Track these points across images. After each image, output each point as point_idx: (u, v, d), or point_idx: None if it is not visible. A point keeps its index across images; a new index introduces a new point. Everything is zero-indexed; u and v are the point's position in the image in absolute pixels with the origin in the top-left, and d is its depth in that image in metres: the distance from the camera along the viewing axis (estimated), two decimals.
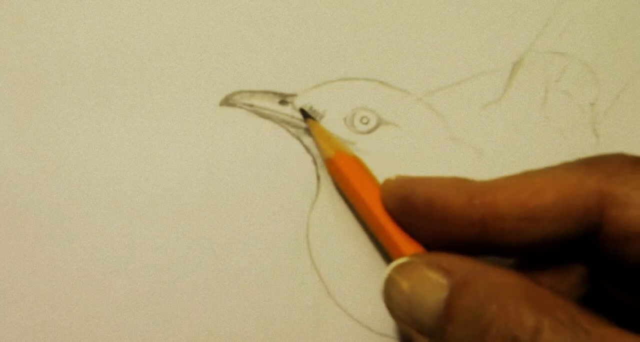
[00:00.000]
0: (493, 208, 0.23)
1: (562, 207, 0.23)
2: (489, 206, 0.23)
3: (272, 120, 0.31)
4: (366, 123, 0.31)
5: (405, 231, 0.26)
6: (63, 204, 0.29)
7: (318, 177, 0.30)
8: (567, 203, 0.23)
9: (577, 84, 0.32)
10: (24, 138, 0.30)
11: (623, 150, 0.24)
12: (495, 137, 0.31)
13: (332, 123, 0.31)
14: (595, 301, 0.24)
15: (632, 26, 0.33)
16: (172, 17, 0.32)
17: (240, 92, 0.31)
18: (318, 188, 0.30)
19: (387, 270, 0.24)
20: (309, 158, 0.30)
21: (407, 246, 0.25)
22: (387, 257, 0.28)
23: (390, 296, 0.24)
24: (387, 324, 0.29)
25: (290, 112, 0.31)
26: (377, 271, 0.29)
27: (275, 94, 0.31)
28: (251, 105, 0.31)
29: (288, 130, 0.31)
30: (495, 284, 0.21)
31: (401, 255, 0.25)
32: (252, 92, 0.31)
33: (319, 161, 0.30)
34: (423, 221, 0.25)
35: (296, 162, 0.30)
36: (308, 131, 0.30)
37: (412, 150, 0.31)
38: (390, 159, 0.31)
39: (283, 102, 0.31)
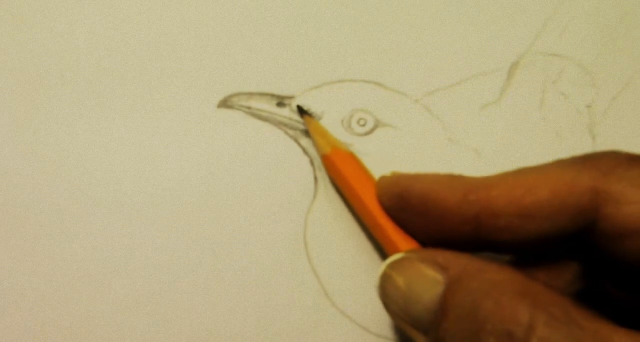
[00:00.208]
0: (488, 205, 0.23)
1: (556, 205, 0.23)
2: (483, 203, 0.23)
3: (269, 122, 0.31)
4: (363, 125, 0.31)
5: (401, 227, 0.26)
6: (63, 204, 0.29)
7: (315, 179, 0.30)
8: (561, 200, 0.23)
9: (574, 86, 0.32)
10: (24, 138, 0.30)
11: None
12: (493, 138, 0.31)
13: (329, 125, 0.31)
14: (590, 297, 0.24)
15: (630, 28, 0.33)
16: (172, 17, 0.32)
17: (238, 95, 0.31)
18: (315, 189, 0.30)
19: (382, 266, 0.24)
20: (306, 160, 0.30)
21: (402, 242, 0.25)
22: (385, 257, 0.28)
23: (386, 292, 0.24)
24: (385, 325, 0.29)
25: (287, 114, 0.31)
26: (375, 273, 0.29)
27: (272, 96, 0.31)
28: (249, 108, 0.31)
29: (286, 132, 0.31)
30: (490, 280, 0.22)
31: (397, 251, 0.25)
32: (250, 95, 0.31)
33: (317, 163, 0.30)
34: (418, 217, 0.25)
35: (294, 164, 0.30)
36: (306, 133, 0.31)
37: (409, 152, 0.31)
38: (388, 160, 0.31)
39: (280, 104, 0.31)
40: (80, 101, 0.31)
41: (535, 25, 0.33)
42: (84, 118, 0.31)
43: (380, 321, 0.29)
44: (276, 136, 0.31)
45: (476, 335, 0.21)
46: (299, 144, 0.31)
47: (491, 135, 0.31)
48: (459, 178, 0.24)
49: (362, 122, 0.31)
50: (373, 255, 0.29)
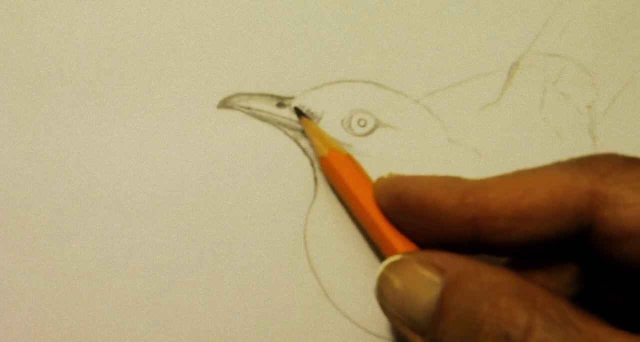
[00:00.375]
0: (485, 207, 0.23)
1: (553, 207, 0.23)
2: (481, 205, 0.23)
3: (269, 122, 0.31)
4: (363, 125, 0.31)
5: (398, 229, 0.26)
6: (63, 204, 0.29)
7: (315, 179, 0.30)
8: (558, 203, 0.23)
9: (574, 86, 0.32)
10: (24, 138, 0.30)
11: (619, 152, 0.24)
12: (493, 139, 0.31)
13: (329, 125, 0.31)
14: (588, 299, 0.24)
15: (630, 28, 0.33)
16: (172, 17, 0.32)
17: (237, 95, 0.31)
18: (315, 190, 0.30)
19: (380, 268, 0.24)
20: (306, 160, 0.30)
21: (399, 243, 0.25)
22: (383, 258, 0.28)
23: (383, 293, 0.24)
24: (384, 326, 0.29)
25: (287, 114, 0.31)
26: (374, 273, 0.29)
27: (272, 96, 0.31)
28: (249, 108, 0.31)
29: (286, 133, 0.31)
30: (488, 282, 0.22)
31: (394, 253, 0.25)
32: (250, 95, 0.31)
33: (317, 163, 0.30)
34: (416, 219, 0.25)
35: (294, 165, 0.30)
36: (305, 133, 0.31)
37: (410, 153, 0.31)
38: (388, 161, 0.31)
39: (280, 104, 0.31)
40: (80, 101, 0.31)
41: (535, 25, 0.33)
42: (84, 118, 0.31)
43: (379, 321, 0.29)
44: (276, 137, 0.31)
45: (473, 337, 0.21)
46: (299, 145, 0.31)
47: (491, 136, 0.31)
48: (456, 180, 0.24)
49: (362, 122, 0.31)
50: (373, 255, 0.29)
